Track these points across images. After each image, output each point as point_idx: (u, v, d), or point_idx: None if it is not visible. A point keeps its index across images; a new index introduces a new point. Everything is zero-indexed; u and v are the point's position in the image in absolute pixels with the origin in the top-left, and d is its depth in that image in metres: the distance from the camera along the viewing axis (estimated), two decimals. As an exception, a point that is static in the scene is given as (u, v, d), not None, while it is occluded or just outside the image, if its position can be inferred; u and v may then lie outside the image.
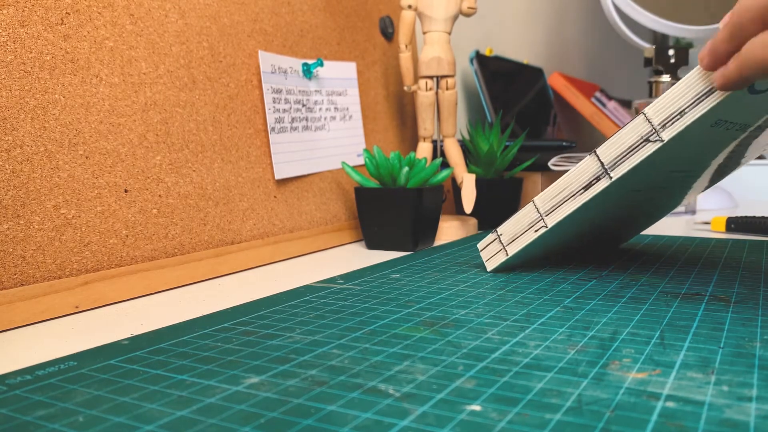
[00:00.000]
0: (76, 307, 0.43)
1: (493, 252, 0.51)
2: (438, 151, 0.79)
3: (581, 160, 0.88)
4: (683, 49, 1.01)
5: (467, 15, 0.73)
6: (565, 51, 1.56)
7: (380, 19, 0.82)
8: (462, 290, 0.45)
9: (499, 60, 1.10)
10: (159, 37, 0.51)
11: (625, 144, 0.42)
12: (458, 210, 0.82)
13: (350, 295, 0.44)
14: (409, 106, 0.88)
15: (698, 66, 0.38)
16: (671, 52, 1.00)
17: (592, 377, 0.28)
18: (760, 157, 1.18)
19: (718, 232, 0.74)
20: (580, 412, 0.24)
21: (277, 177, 0.62)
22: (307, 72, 0.68)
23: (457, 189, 0.80)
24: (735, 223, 0.73)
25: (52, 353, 0.34)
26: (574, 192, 0.45)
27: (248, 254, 0.58)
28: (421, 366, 0.30)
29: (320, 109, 0.70)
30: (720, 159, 0.50)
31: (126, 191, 0.48)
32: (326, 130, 0.71)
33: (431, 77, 0.73)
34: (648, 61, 1.02)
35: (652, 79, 1.02)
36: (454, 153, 0.75)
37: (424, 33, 0.73)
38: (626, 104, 1.43)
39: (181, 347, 0.33)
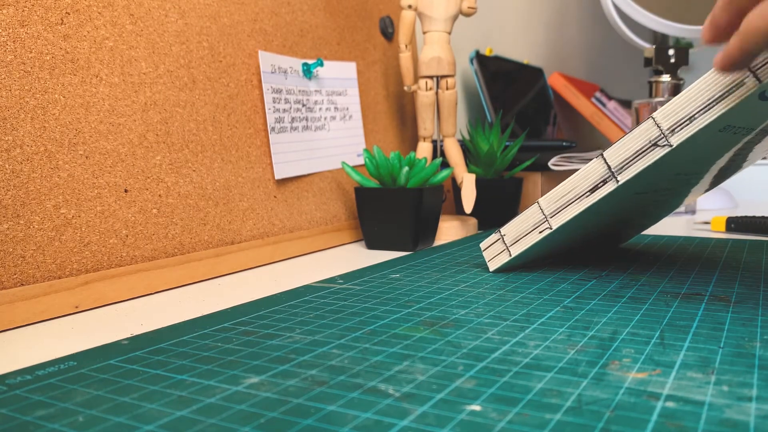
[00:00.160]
0: (76, 307, 0.43)
1: (496, 252, 0.51)
2: (438, 151, 0.79)
3: (581, 160, 0.87)
4: (683, 49, 1.01)
5: (467, 15, 0.73)
6: (565, 51, 1.56)
7: (380, 19, 0.82)
8: (462, 290, 0.45)
9: (499, 60, 1.10)
10: (159, 37, 0.51)
11: (633, 148, 0.41)
12: (458, 210, 0.82)
13: (350, 295, 0.44)
14: (409, 106, 0.88)
15: (708, 72, 0.38)
16: (671, 52, 1.00)
17: (592, 377, 0.28)
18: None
19: (718, 232, 0.74)
20: (580, 412, 0.24)
21: (277, 177, 0.62)
22: (307, 72, 0.68)
23: (457, 189, 0.80)
24: (735, 223, 0.73)
25: (52, 353, 0.34)
26: (580, 194, 0.44)
27: (248, 254, 0.58)
28: (421, 366, 0.30)
29: (320, 109, 0.70)
30: (723, 162, 0.50)
31: (126, 191, 0.48)
32: (326, 130, 0.71)
33: (431, 77, 0.73)
34: (648, 61, 1.02)
35: (652, 79, 1.02)
36: (454, 153, 0.75)
37: (424, 33, 0.73)
38: (626, 104, 1.43)
39: (181, 347, 0.33)
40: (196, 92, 0.55)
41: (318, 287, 0.47)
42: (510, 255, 0.49)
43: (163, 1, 0.52)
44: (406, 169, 0.63)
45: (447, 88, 0.74)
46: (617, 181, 0.42)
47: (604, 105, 1.32)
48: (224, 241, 0.56)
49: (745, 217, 0.72)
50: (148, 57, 0.50)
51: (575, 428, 0.23)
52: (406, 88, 0.74)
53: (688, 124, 0.39)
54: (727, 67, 0.35)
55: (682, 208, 0.91)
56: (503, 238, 0.50)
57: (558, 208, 0.46)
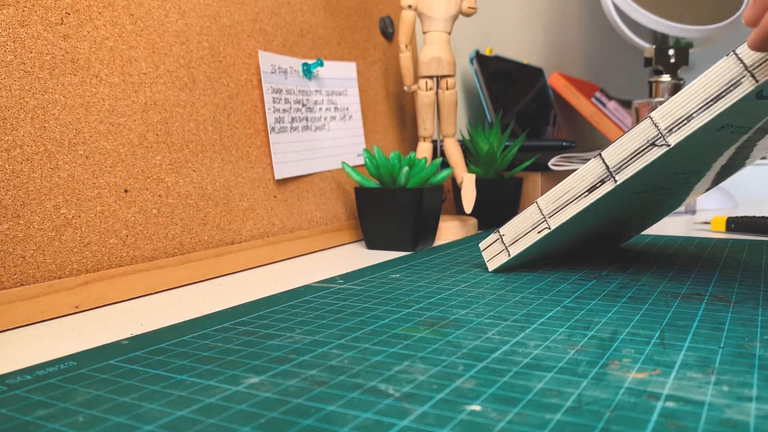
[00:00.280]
0: (76, 307, 0.43)
1: (495, 252, 0.51)
2: (438, 151, 0.79)
3: (581, 160, 0.87)
4: (683, 49, 1.01)
5: (467, 15, 0.73)
6: (565, 51, 1.56)
7: (380, 19, 0.82)
8: (462, 290, 0.45)
9: (499, 60, 1.10)
10: (159, 37, 0.51)
11: (631, 147, 0.42)
12: (458, 210, 0.82)
13: (350, 295, 0.44)
14: (409, 106, 0.88)
15: (705, 72, 0.38)
16: (671, 52, 1.00)
17: (592, 377, 0.28)
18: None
19: (718, 232, 0.74)
20: (580, 412, 0.24)
21: (277, 177, 0.62)
22: (307, 72, 0.68)
23: (457, 189, 0.80)
24: (735, 223, 0.73)
25: (52, 353, 0.34)
26: (578, 194, 0.45)
27: (248, 254, 0.58)
28: (421, 366, 0.30)
29: (320, 109, 0.70)
30: (723, 160, 0.50)
31: (126, 191, 0.48)
32: (326, 130, 0.71)
33: (431, 77, 0.73)
34: (648, 61, 1.02)
35: (652, 79, 1.02)
36: (454, 153, 0.75)
37: (424, 33, 0.73)
38: (626, 104, 1.43)
39: (181, 347, 0.33)
40: (196, 92, 0.55)
41: (318, 287, 0.47)
42: (509, 255, 0.50)
43: (163, 1, 0.52)
44: (406, 169, 0.63)
45: (447, 88, 0.74)
46: (615, 181, 0.42)
47: (604, 105, 1.32)
48: (224, 241, 0.56)
49: (745, 217, 0.72)
50: (148, 57, 0.50)
51: (575, 428, 0.23)
52: (406, 88, 0.74)
53: (685, 124, 0.39)
54: (759, 47, 0.35)
55: (682, 208, 0.91)
56: (502, 238, 0.50)
57: (556, 208, 0.46)
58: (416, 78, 0.77)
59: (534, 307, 0.40)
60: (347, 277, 0.51)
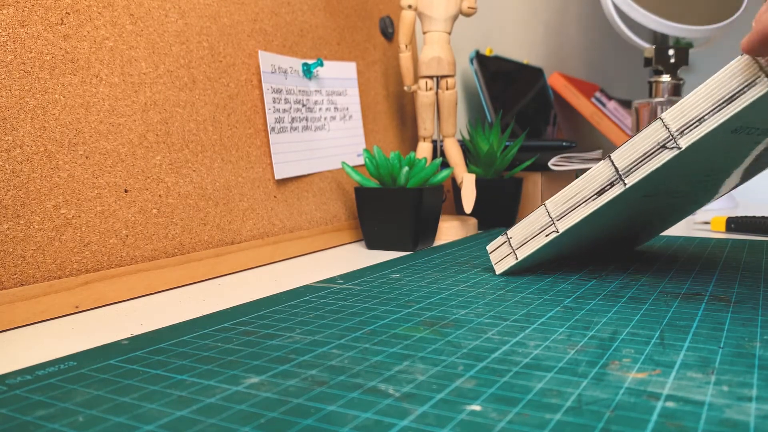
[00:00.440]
0: (76, 307, 0.43)
1: (503, 255, 0.50)
2: (438, 151, 0.79)
3: (581, 160, 0.86)
4: (683, 49, 1.01)
5: (467, 15, 0.73)
6: (565, 51, 1.56)
7: (380, 19, 0.82)
8: (462, 290, 0.45)
9: (499, 60, 1.10)
10: (159, 37, 0.51)
11: (641, 150, 0.40)
12: (458, 210, 0.82)
13: (350, 295, 0.44)
14: (409, 106, 0.88)
15: (718, 72, 0.37)
16: (671, 52, 1.00)
17: (592, 377, 0.28)
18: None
19: (718, 232, 0.74)
20: (580, 412, 0.24)
21: (277, 177, 0.62)
22: (307, 72, 0.68)
23: (457, 189, 0.80)
24: (735, 223, 0.73)
25: (52, 353, 0.34)
26: (587, 197, 0.43)
27: (248, 254, 0.58)
28: (421, 366, 0.30)
29: (320, 109, 0.70)
30: (746, 162, 0.49)
31: (126, 191, 0.48)
32: (326, 130, 0.71)
33: (431, 77, 0.73)
34: (648, 61, 1.02)
35: (652, 79, 1.02)
36: (454, 153, 0.75)
37: (424, 33, 0.73)
38: (626, 104, 1.43)
39: (181, 347, 0.33)
40: (196, 92, 0.55)
41: (318, 287, 0.47)
42: (516, 258, 0.48)
43: (163, 1, 0.52)
44: (406, 169, 0.63)
45: (447, 88, 0.74)
46: (624, 184, 0.41)
47: (604, 105, 1.32)
48: (224, 241, 0.56)
49: (745, 217, 0.72)
50: (148, 57, 0.50)
51: (575, 428, 0.23)
52: (406, 88, 0.74)
53: (697, 126, 0.38)
54: (749, 51, 0.35)
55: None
56: (510, 241, 0.49)
57: (565, 211, 0.45)
58: (416, 78, 0.77)
59: (534, 307, 0.40)
60: (347, 277, 0.51)
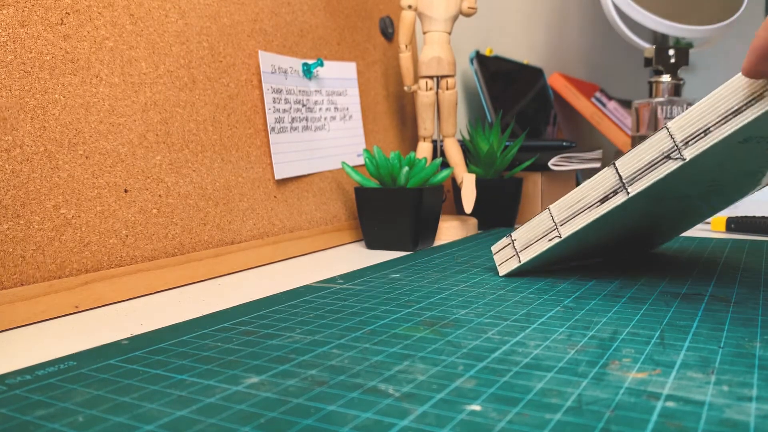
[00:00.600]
0: (76, 307, 0.43)
1: (507, 257, 0.49)
2: (438, 151, 0.79)
3: (581, 160, 0.86)
4: (683, 49, 1.01)
5: (467, 15, 0.73)
6: (565, 51, 1.56)
7: (380, 19, 0.82)
8: (462, 290, 0.45)
9: (499, 60, 1.10)
10: (159, 37, 0.51)
11: (645, 159, 0.40)
12: (458, 210, 0.82)
13: (350, 295, 0.44)
14: (409, 106, 0.88)
15: (726, 82, 0.36)
16: (671, 52, 1.00)
17: (592, 377, 0.28)
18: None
19: (718, 232, 0.74)
20: (580, 412, 0.24)
21: (277, 177, 0.62)
22: (307, 72, 0.68)
23: (457, 189, 0.80)
24: (735, 223, 0.73)
25: (52, 353, 0.34)
26: (590, 204, 0.43)
27: (248, 254, 0.58)
28: (421, 366, 0.30)
29: (320, 109, 0.70)
30: (761, 168, 0.48)
31: (126, 191, 0.48)
32: (326, 130, 0.71)
33: (431, 77, 0.73)
34: (648, 61, 1.02)
35: (652, 79, 1.02)
36: (454, 153, 0.75)
37: (424, 33, 0.73)
38: (626, 104, 1.43)
39: (181, 347, 0.33)
40: (196, 92, 0.55)
41: (318, 287, 0.47)
42: (519, 261, 0.48)
43: (163, 1, 0.52)
44: (406, 169, 0.63)
45: (447, 88, 0.74)
46: (627, 193, 0.41)
47: (604, 105, 1.32)
48: (224, 241, 0.56)
49: (745, 217, 0.72)
50: (148, 57, 0.50)
51: (575, 428, 0.23)
52: (406, 88, 0.74)
53: (703, 137, 0.37)
54: (748, 74, 0.34)
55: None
56: (513, 243, 0.49)
57: (568, 217, 0.45)
58: (416, 78, 0.77)
59: (534, 307, 0.40)
60: (347, 277, 0.51)
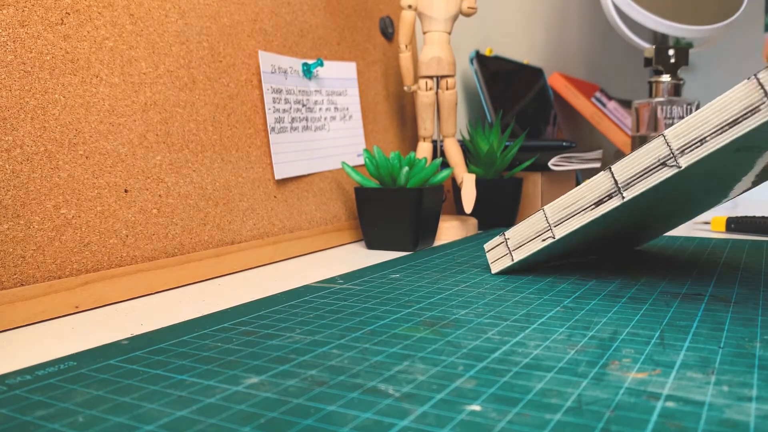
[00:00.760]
0: (76, 307, 0.43)
1: (499, 255, 0.50)
2: (438, 151, 0.79)
3: (581, 160, 0.86)
4: (683, 49, 1.01)
5: (467, 15, 0.73)
6: (565, 51, 1.56)
7: (380, 19, 0.82)
8: (462, 290, 0.45)
9: (499, 60, 1.10)
10: (159, 37, 0.51)
11: (642, 164, 0.40)
12: (458, 210, 0.82)
13: (350, 295, 0.44)
14: (409, 106, 0.88)
15: (724, 94, 0.37)
16: (671, 52, 1.00)
17: (592, 377, 0.28)
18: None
19: (718, 232, 0.74)
20: (580, 412, 0.24)
21: (277, 177, 0.62)
22: (307, 72, 0.68)
23: (457, 189, 0.80)
24: (735, 223, 0.73)
25: (52, 353, 0.34)
26: (585, 206, 0.44)
27: (248, 254, 0.58)
28: (421, 366, 0.30)
29: (320, 109, 0.70)
30: (755, 171, 0.49)
31: (126, 191, 0.48)
32: (326, 130, 0.71)
33: (431, 77, 0.73)
34: (648, 61, 1.02)
35: (652, 79, 1.02)
36: (454, 153, 0.75)
37: (424, 33, 0.73)
38: (626, 104, 1.43)
39: (181, 347, 0.33)
40: (196, 92, 0.55)
41: (318, 287, 0.47)
42: (512, 260, 0.49)
43: (163, 1, 0.52)
44: (406, 169, 0.63)
45: (447, 88, 0.74)
46: (623, 198, 0.41)
47: (604, 105, 1.32)
48: (224, 241, 0.56)
49: (745, 217, 0.72)
50: (148, 57, 0.50)
51: (575, 428, 0.23)
52: (406, 88, 0.74)
53: (699, 146, 0.38)
54: None
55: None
56: (507, 242, 0.49)
57: (562, 218, 0.45)
58: (416, 78, 0.77)
59: (534, 307, 0.40)
60: (347, 277, 0.51)
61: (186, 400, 0.26)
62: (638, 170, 0.41)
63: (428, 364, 0.30)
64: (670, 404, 0.25)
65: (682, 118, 0.98)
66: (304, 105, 0.68)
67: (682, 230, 0.77)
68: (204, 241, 0.54)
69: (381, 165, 0.65)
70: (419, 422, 0.24)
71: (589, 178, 0.45)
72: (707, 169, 0.42)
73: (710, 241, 0.66)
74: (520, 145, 0.81)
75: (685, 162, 0.38)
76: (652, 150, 0.40)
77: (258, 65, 0.62)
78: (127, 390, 0.28)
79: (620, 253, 0.60)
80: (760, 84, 0.36)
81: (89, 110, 0.46)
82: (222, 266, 0.55)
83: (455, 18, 0.73)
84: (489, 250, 0.51)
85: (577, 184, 1.12)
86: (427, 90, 0.73)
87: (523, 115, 1.11)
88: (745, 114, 0.36)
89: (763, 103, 0.36)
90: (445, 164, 0.84)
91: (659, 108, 0.99)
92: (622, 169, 0.42)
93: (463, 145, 0.82)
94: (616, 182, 0.42)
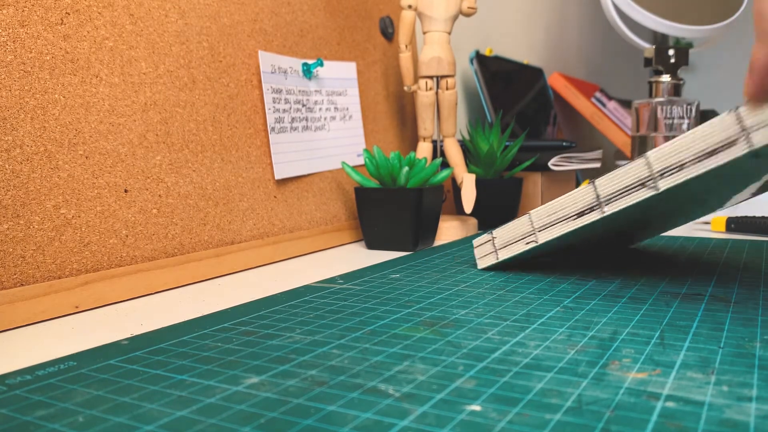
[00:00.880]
0: (76, 307, 0.43)
1: (486, 252, 0.52)
2: (438, 151, 0.79)
3: (581, 160, 0.87)
4: (683, 49, 1.01)
5: (467, 15, 0.73)
6: (565, 51, 1.56)
7: (380, 19, 0.82)
8: (462, 290, 0.45)
9: (499, 60, 1.10)
10: (159, 37, 0.51)
11: (623, 182, 0.41)
12: (458, 210, 0.82)
13: (350, 295, 0.44)
14: (409, 106, 0.88)
15: (706, 123, 0.37)
16: (671, 52, 1.00)
17: (592, 377, 0.28)
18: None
19: (718, 232, 0.74)
20: (580, 412, 0.24)
21: (277, 177, 0.62)
22: (307, 72, 0.68)
23: (457, 189, 0.80)
24: (735, 223, 0.73)
25: (52, 353, 0.34)
26: (567, 216, 0.45)
27: (248, 254, 0.58)
28: (421, 366, 0.30)
29: (320, 109, 0.70)
30: (753, 188, 0.49)
31: (126, 191, 0.48)
32: (326, 130, 0.71)
33: (431, 77, 0.73)
34: (648, 61, 1.02)
35: (652, 79, 1.02)
36: (454, 153, 0.75)
37: (424, 33, 0.73)
38: (626, 104, 1.43)
39: (181, 347, 0.33)
40: (196, 92, 0.55)
41: (318, 287, 0.47)
42: (497, 258, 0.51)
43: (163, 1, 0.52)
44: (406, 169, 0.63)
45: (447, 88, 0.74)
46: (603, 212, 0.42)
47: (604, 105, 1.32)
48: (224, 241, 0.56)
49: (745, 217, 0.72)
50: (148, 57, 0.50)
51: (575, 428, 0.23)
52: (406, 88, 0.74)
53: (677, 171, 0.39)
54: (753, 98, 0.35)
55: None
56: (493, 241, 0.51)
57: (546, 225, 0.47)
58: (416, 78, 0.77)
59: (534, 307, 0.40)
60: (347, 277, 0.51)
61: (186, 400, 0.26)
62: (619, 187, 0.42)
63: (428, 364, 0.30)
64: (670, 404, 0.25)
65: (682, 118, 0.98)
66: (304, 105, 0.68)
67: (682, 230, 0.77)
68: (204, 241, 0.54)
69: (381, 165, 0.65)
70: (419, 422, 0.24)
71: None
72: (689, 191, 0.43)
73: (710, 241, 0.66)
74: (520, 145, 0.81)
75: (663, 185, 0.39)
76: (635, 169, 0.41)
77: (258, 65, 0.62)
78: (127, 390, 0.28)
79: (614, 251, 0.61)
80: (739, 119, 0.36)
81: (89, 110, 0.46)
82: (222, 266, 0.55)
83: (455, 18, 0.73)
84: (477, 246, 0.53)
85: (577, 184, 1.12)
86: (427, 90, 0.73)
87: (523, 115, 1.11)
88: (723, 146, 0.37)
89: (741, 137, 0.36)
90: (445, 164, 0.84)
91: (659, 108, 0.99)
92: (605, 184, 0.43)
93: (463, 145, 0.82)
94: (598, 196, 0.43)
